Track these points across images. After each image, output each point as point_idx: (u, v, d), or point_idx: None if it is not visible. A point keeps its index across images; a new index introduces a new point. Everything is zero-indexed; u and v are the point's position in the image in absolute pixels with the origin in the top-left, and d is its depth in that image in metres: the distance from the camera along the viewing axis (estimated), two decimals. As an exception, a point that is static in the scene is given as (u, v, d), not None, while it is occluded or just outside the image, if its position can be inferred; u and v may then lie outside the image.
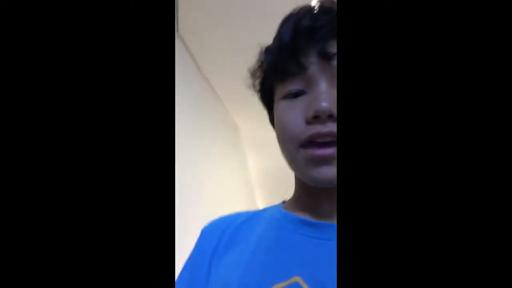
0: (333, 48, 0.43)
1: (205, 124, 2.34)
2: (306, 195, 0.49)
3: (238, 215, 0.54)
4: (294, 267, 0.42)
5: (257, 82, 0.52)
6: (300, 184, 0.50)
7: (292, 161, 0.46)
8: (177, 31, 1.92)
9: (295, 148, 0.44)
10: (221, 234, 0.51)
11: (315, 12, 0.45)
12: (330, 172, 0.42)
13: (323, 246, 0.43)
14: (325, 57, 0.43)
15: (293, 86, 0.45)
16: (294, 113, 0.44)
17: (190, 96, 2.06)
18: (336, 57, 0.42)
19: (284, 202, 0.54)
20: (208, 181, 2.19)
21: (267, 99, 0.51)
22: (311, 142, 0.42)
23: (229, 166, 2.90)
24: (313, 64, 0.43)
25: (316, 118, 0.41)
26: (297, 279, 0.41)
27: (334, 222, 0.45)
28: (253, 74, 0.52)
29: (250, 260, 0.45)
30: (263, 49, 0.51)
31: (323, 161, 0.42)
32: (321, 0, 0.46)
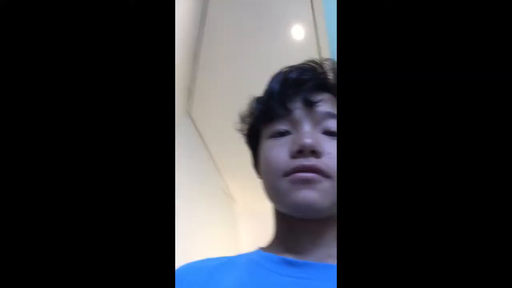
0: (316, 97, 0.49)
1: (202, 193, 2.40)
2: (285, 232, 0.51)
3: (212, 260, 0.54)
4: None
5: (246, 126, 0.58)
6: (279, 221, 0.52)
7: (274, 190, 0.49)
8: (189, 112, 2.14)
9: (279, 177, 0.47)
10: (195, 276, 0.50)
11: (302, 68, 0.53)
12: (311, 195, 0.44)
13: (305, 286, 0.44)
14: (308, 103, 0.49)
15: (280, 126, 0.50)
16: (280, 148, 0.48)
17: (191, 167, 2.15)
18: (319, 104, 0.49)
19: (260, 248, 0.55)
20: (203, 248, 2.20)
21: (253, 141, 0.56)
22: (294, 173, 0.46)
23: (222, 235, 2.92)
24: (298, 109, 0.50)
25: (300, 153, 0.46)
26: None
27: (314, 259, 0.47)
28: (243, 120, 0.58)
29: None
30: (254, 98, 0.57)
31: (305, 183, 0.45)
32: (306, 61, 0.54)
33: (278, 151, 0.48)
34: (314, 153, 0.45)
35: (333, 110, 0.49)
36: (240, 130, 0.58)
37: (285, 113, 0.50)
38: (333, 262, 0.46)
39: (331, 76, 0.52)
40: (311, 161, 0.45)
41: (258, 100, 0.55)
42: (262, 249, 0.53)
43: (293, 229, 0.49)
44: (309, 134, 0.47)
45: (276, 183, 0.47)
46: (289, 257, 0.48)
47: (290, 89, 0.50)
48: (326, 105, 0.49)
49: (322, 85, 0.51)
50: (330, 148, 0.46)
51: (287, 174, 0.46)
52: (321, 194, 0.44)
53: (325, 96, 0.50)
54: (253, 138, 0.56)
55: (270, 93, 0.52)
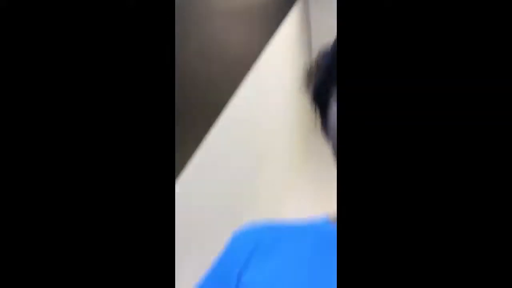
0: None
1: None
2: None
3: (274, 226, 0.52)
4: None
5: (313, 83, 0.51)
6: None
7: None
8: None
9: None
10: (257, 243, 0.49)
11: None
12: None
13: None
14: None
15: None
16: None
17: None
18: None
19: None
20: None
21: (322, 100, 0.49)
22: None
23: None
24: None
25: None
26: None
27: None
28: (309, 75, 0.51)
29: (294, 275, 0.44)
30: (321, 53, 0.50)
31: None
32: None
33: None
34: None
35: None
36: (305, 87, 0.51)
37: None
38: None
39: None
40: None
41: (326, 55, 0.49)
42: (332, 218, 0.49)
43: None
44: None
45: None
46: None
47: None
48: None
49: None
50: None
51: None
52: None
53: None
54: (321, 97, 0.49)
55: None
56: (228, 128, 1.45)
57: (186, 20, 1.16)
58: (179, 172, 1.11)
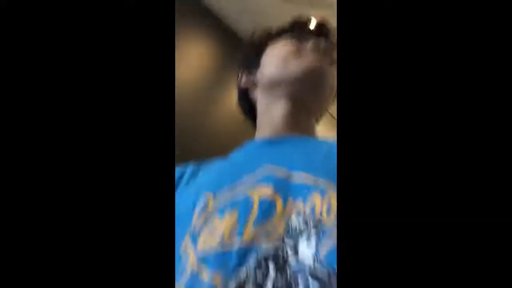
0: None
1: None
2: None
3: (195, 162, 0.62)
4: (263, 161, 0.49)
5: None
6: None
7: (279, 67, 0.60)
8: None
9: (289, 57, 0.60)
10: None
11: None
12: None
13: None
14: None
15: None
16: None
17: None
18: None
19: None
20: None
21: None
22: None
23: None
24: None
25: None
26: (267, 165, 0.48)
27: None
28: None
29: (221, 167, 0.54)
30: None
31: (313, 53, 0.60)
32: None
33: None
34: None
35: None
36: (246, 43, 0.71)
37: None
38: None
39: None
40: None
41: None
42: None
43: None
44: None
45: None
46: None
47: None
48: None
49: None
50: None
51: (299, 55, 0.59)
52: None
53: None
54: (259, 47, 0.67)
55: None
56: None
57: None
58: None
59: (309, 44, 0.60)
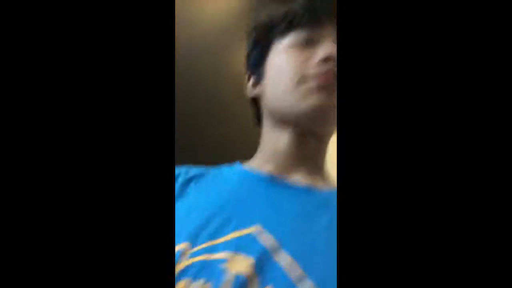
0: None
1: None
2: (275, 147, 0.55)
3: (189, 168, 0.57)
4: (255, 216, 0.44)
5: (259, 32, 0.58)
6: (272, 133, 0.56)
7: (285, 97, 0.51)
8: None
9: (294, 84, 0.50)
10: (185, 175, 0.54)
11: None
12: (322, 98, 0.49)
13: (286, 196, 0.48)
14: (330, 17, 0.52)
15: (305, 33, 0.53)
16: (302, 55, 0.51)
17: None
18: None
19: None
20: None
21: (264, 49, 0.57)
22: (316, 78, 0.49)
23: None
24: (326, 20, 0.52)
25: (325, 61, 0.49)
26: (257, 227, 0.43)
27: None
28: (257, 23, 0.59)
29: (205, 210, 0.47)
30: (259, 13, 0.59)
31: (321, 88, 0.49)
32: None
33: (301, 58, 0.51)
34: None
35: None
36: (250, 34, 0.60)
37: (313, 21, 0.52)
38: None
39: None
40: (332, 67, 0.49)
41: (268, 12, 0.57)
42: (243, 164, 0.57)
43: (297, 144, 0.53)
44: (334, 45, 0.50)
45: (288, 90, 0.50)
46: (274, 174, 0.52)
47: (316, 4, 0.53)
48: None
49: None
50: None
51: (305, 80, 0.49)
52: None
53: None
54: (264, 46, 0.57)
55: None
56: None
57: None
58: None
59: (321, 49, 0.51)
